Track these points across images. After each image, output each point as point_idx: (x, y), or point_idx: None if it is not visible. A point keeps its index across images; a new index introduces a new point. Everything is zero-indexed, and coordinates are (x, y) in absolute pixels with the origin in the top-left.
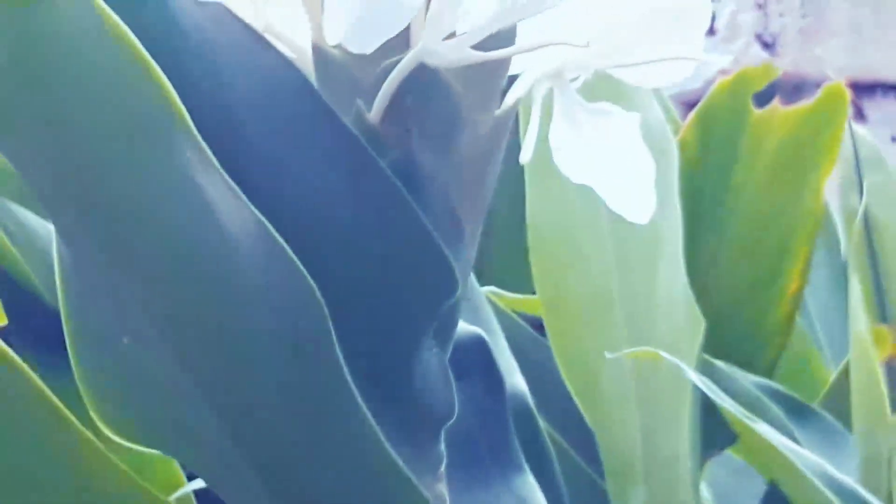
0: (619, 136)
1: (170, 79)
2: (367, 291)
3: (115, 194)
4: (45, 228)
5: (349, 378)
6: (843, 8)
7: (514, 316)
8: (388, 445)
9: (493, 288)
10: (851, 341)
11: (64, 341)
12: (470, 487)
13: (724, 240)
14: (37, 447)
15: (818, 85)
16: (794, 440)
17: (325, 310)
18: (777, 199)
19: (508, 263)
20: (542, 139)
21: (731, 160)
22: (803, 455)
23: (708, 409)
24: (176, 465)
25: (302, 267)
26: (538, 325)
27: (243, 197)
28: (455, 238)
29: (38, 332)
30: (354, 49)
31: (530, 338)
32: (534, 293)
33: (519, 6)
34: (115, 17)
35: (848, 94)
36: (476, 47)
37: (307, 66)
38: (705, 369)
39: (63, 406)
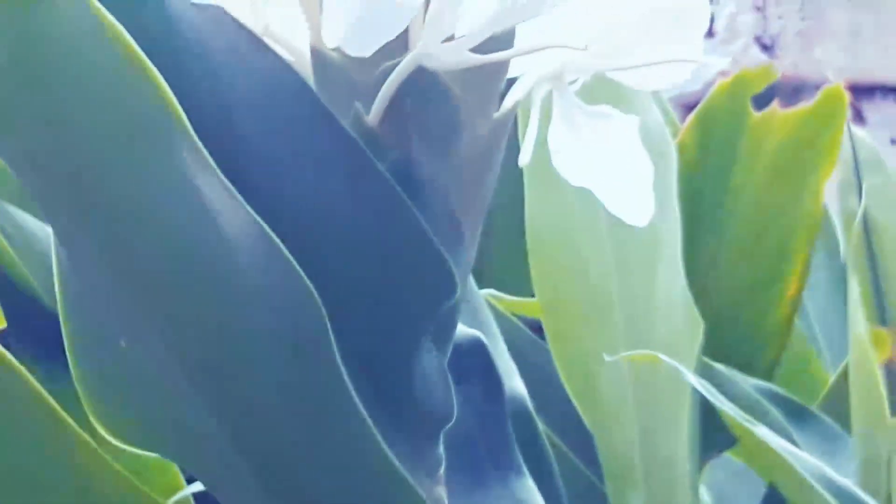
0: (618, 138)
1: (168, 81)
2: (365, 293)
3: (112, 196)
4: (44, 231)
5: (347, 380)
6: (842, 10)
7: (513, 319)
8: (386, 448)
9: (492, 290)
10: (850, 343)
11: (62, 344)
12: (469, 490)
13: (723, 242)
14: (35, 450)
15: (817, 87)
16: (793, 443)
17: (323, 311)
18: (776, 202)
19: (507, 266)
20: (541, 142)
21: (730, 162)
22: (802, 458)
23: (707, 412)
24: (174, 468)
25: (299, 269)
26: (537, 328)
27: (240, 199)
28: (454, 240)
29: (37, 335)
30: (353, 52)
31: (529, 340)
32: (533, 296)
33: (517, 9)
34: (113, 19)
35: (847, 97)
36: (475, 50)
37: (305, 68)
38: (704, 372)
39: (61, 409)
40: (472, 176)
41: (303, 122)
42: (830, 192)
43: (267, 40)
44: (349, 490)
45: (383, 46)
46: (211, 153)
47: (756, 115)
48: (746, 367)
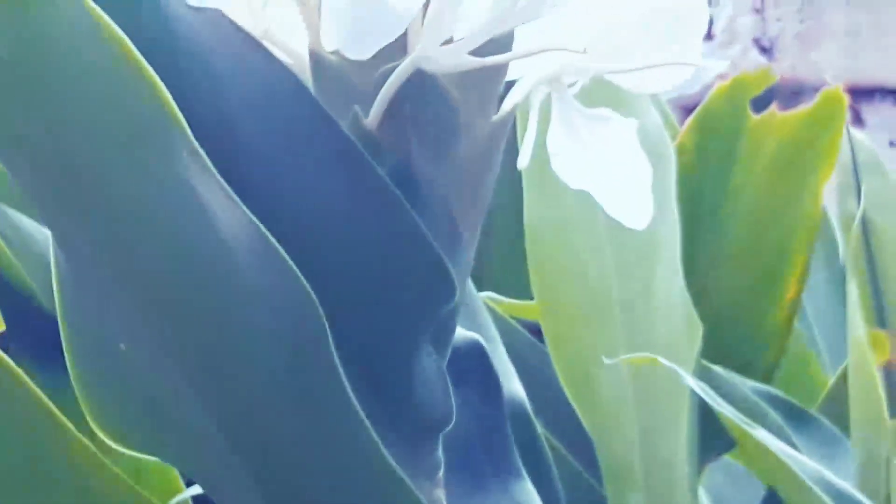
0: (617, 141)
1: (167, 84)
2: (364, 296)
3: (110, 197)
4: (42, 233)
5: (346, 383)
6: (840, 13)
7: (512, 321)
8: (385, 451)
9: (490, 293)
10: (849, 346)
11: (61, 346)
12: (468, 493)
13: (722, 244)
14: (33, 453)
15: (816, 90)
16: (793, 445)
17: (322, 314)
18: (775, 204)
19: (506, 269)
20: (540, 144)
21: (729, 165)
22: (801, 460)
23: (706, 414)
24: (173, 471)
25: (297, 271)
26: (536, 331)
27: (239, 202)
28: (453, 243)
29: (36, 338)
30: (351, 55)
31: (528, 343)
32: (531, 299)
33: (516, 12)
34: (109, 21)
35: (846, 99)
36: (473, 53)
37: (304, 71)
38: (703, 374)
39: (60, 412)
40: (470, 179)
41: (301, 124)
42: (829, 195)
43: (265, 43)
44: (348, 493)
45: (382, 49)
46: (209, 156)
47: (755, 117)
48: (745, 370)
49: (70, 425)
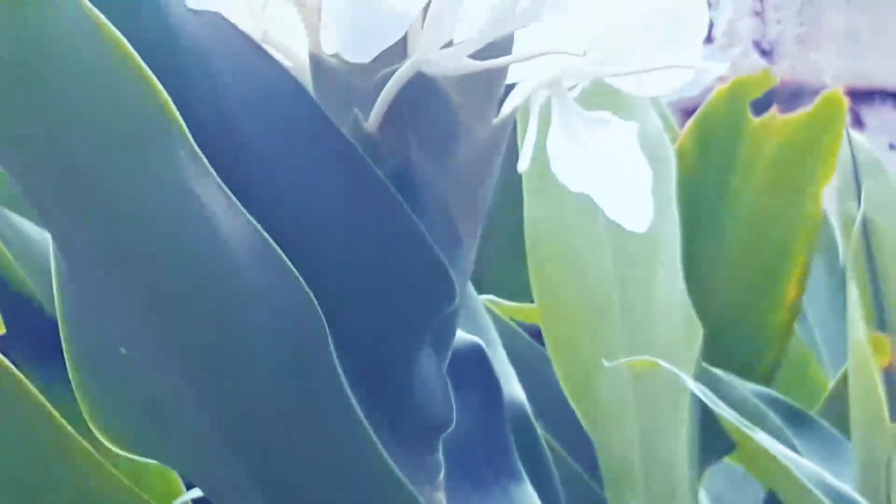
0: (617, 144)
1: (167, 87)
2: (364, 299)
3: (110, 200)
4: (41, 235)
5: (346, 386)
6: (840, 15)
7: (512, 324)
8: (385, 454)
9: (491, 296)
10: (850, 348)
11: (61, 349)
12: (468, 496)
13: (722, 247)
14: (34, 456)
15: (816, 92)
16: (793, 448)
17: (322, 316)
18: (775, 206)
19: (506, 271)
20: (540, 147)
21: (730, 167)
22: (801, 463)
23: (706, 417)
24: (174, 473)
25: (298, 274)
26: (536, 333)
27: (239, 205)
28: (452, 246)
29: (36, 340)
30: (351, 58)
31: (528, 346)
32: (532, 301)
33: (516, 14)
34: (109, 24)
35: (846, 102)
36: (473, 56)
37: (304, 74)
38: (703, 377)
39: (60, 414)
40: (470, 181)
41: (301, 127)
42: (829, 197)
43: (265, 46)
44: (348, 495)
45: (382, 53)
46: (209, 158)
47: (755, 120)
48: (746, 372)
49: (69, 427)
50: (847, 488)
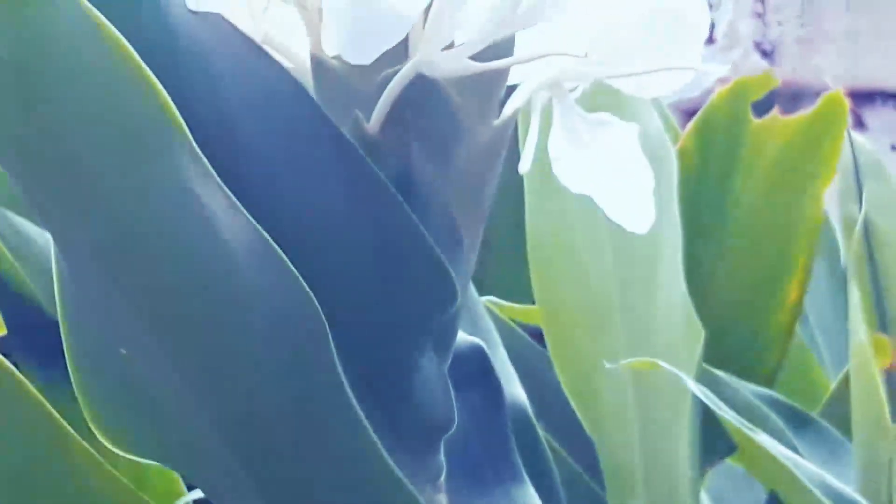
0: (619, 146)
1: (168, 88)
2: (365, 301)
3: (110, 201)
4: (42, 235)
5: (348, 388)
6: (841, 16)
7: (514, 325)
8: (387, 456)
9: (492, 297)
10: (851, 350)
11: (62, 350)
12: (469, 497)
13: (723, 248)
14: (34, 458)
15: (817, 93)
16: (794, 450)
17: (323, 318)
18: (777, 208)
19: (508, 273)
20: (542, 149)
21: (731, 169)
22: (803, 465)
23: (708, 418)
24: (175, 475)
25: (300, 277)
26: (538, 334)
27: (239, 205)
28: (454, 247)
29: (36, 341)
30: (353, 60)
31: (530, 347)
32: (533, 302)
33: (517, 16)
34: (111, 26)
35: (847, 103)
36: (474, 58)
37: (305, 76)
38: (705, 378)
39: (61, 416)
40: (472, 183)
41: (302, 129)
42: (831, 199)
43: (266, 48)
44: (348, 497)
45: (383, 54)
46: (208, 157)
47: (756, 121)
48: (747, 374)
49: (69, 428)
50: (848, 489)
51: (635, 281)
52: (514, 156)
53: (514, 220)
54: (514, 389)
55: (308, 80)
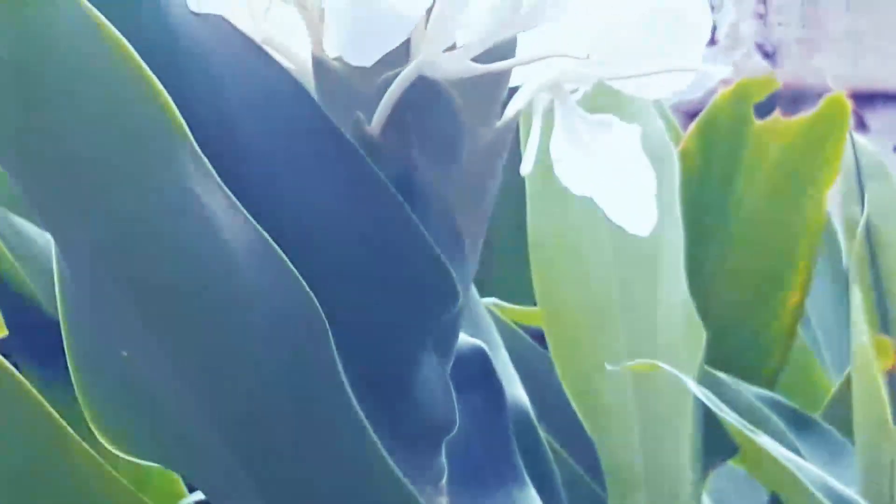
0: (620, 147)
1: (169, 90)
2: (365, 301)
3: (112, 204)
4: (42, 235)
5: (348, 389)
6: (842, 18)
7: (515, 327)
8: (388, 457)
9: (494, 299)
10: (853, 352)
11: (63, 349)
12: (471, 499)
13: (725, 250)
14: (34, 458)
15: (819, 95)
16: (796, 451)
17: (324, 319)
18: (779, 210)
19: (509, 274)
20: (543, 150)
21: (733, 171)
22: (805, 467)
23: (710, 420)
24: (176, 476)
25: (301, 279)
26: (539, 336)
27: (239, 206)
28: (455, 249)
29: (37, 342)
30: (354, 61)
31: (531, 349)
32: (535, 304)
33: (519, 18)
34: (111, 27)
35: (849, 104)
36: (476, 59)
37: (307, 77)
38: (706, 380)
39: (61, 417)
40: (473, 184)
41: (304, 131)
42: (833, 200)
43: (268, 49)
44: (349, 498)
45: (385, 56)
46: (210, 160)
47: (758, 122)
48: (749, 376)
49: (70, 429)
50: (850, 492)
51: (637, 282)
52: (516, 157)
53: (516, 222)
54: (516, 391)
55: (309, 82)
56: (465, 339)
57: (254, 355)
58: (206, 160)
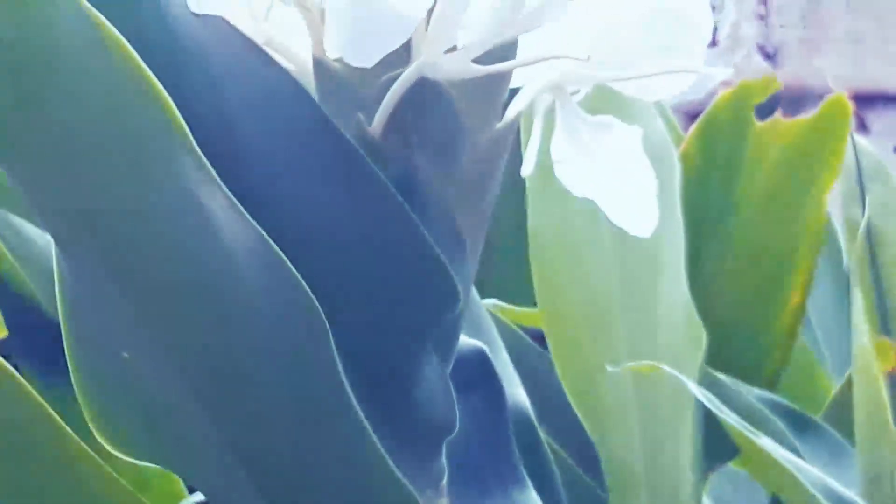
0: (621, 149)
1: (170, 92)
2: (367, 304)
3: (114, 207)
4: (43, 237)
5: (349, 390)
6: (843, 19)
7: (516, 328)
8: (388, 459)
9: (494, 300)
10: (854, 354)
11: (63, 351)
12: (471, 500)
13: (726, 252)
14: (35, 461)
15: (820, 96)
16: (797, 453)
17: (325, 322)
18: (779, 211)
19: (510, 276)
20: (544, 152)
21: (734, 172)
22: (805, 468)
23: (710, 422)
24: (176, 477)
25: (302, 280)
26: (540, 338)
27: (241, 208)
28: (456, 250)
29: (37, 343)
30: (355, 62)
31: (532, 350)
32: (535, 305)
33: (520, 19)
34: (112, 28)
35: (850, 106)
36: (477, 60)
37: (308, 79)
38: (707, 382)
39: (62, 418)
40: (474, 186)
41: (305, 132)
42: (834, 201)
43: (269, 51)
44: (350, 500)
45: (386, 57)
46: (209, 159)
47: (759, 124)
48: (749, 377)
49: (70, 430)
50: (851, 493)
51: (638, 284)
52: (517, 158)
53: (517, 223)
54: (516, 392)
55: (310, 82)
56: (465, 340)
57: (254, 356)
58: (206, 161)
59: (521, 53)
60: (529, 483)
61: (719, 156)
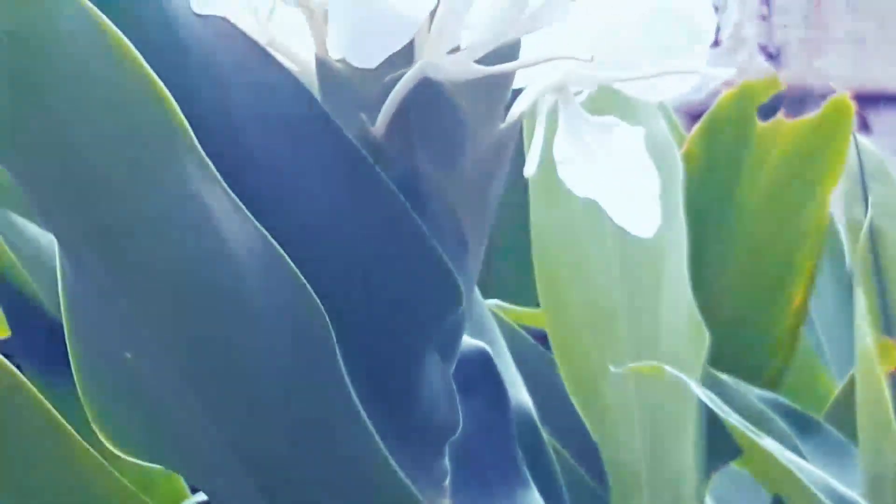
0: (624, 149)
1: (173, 93)
2: (370, 305)
3: (116, 208)
4: (46, 237)
5: (352, 392)
6: (846, 19)
7: (519, 329)
8: (391, 460)
9: (497, 301)
10: (857, 354)
11: (66, 352)
12: (474, 501)
13: (728, 252)
14: (38, 462)
15: (822, 97)
16: (799, 453)
17: (328, 322)
18: (782, 212)
19: (513, 276)
20: (547, 152)
21: (736, 172)
22: (808, 469)
23: (713, 422)
24: (179, 479)
25: (305, 281)
26: (542, 338)
27: (244, 209)
28: (459, 251)
29: (40, 343)
30: (358, 63)
31: (535, 351)
32: (538, 306)
33: (522, 20)
34: (114, 27)
35: (853, 106)
36: (480, 61)
37: (311, 79)
38: (710, 382)
39: (64, 419)
40: (477, 186)
41: (308, 133)
42: (836, 202)
43: (272, 51)
44: (352, 501)
45: (389, 58)
46: (212, 159)
47: (762, 125)
48: (752, 378)
49: (72, 431)
50: (853, 494)
51: (640, 284)
52: (520, 159)
53: (519, 224)
54: (519, 393)
55: (312, 83)
56: (468, 340)
57: (256, 356)
58: (208, 161)
59: (524, 54)
60: (532, 484)
61: (722, 156)
